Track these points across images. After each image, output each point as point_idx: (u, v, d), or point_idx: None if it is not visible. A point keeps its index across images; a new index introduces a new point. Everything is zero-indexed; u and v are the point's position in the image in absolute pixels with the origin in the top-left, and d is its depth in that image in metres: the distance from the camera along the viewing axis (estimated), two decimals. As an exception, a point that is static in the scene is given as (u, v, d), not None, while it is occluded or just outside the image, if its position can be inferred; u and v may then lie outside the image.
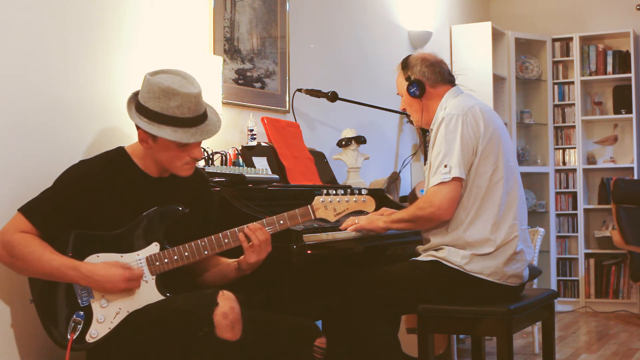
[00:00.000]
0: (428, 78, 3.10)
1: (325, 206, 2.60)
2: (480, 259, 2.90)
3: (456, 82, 3.17)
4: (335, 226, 3.03)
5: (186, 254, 2.47)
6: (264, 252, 2.56)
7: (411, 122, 3.28)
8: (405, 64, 3.14)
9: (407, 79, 3.10)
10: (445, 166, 2.88)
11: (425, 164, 3.12)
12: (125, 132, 3.05)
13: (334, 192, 2.61)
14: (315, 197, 2.60)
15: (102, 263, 2.42)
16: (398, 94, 3.21)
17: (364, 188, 2.77)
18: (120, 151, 2.58)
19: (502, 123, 3.12)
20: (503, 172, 2.96)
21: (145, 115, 2.44)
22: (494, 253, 2.91)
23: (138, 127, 2.48)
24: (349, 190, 2.64)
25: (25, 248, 2.38)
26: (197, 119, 2.47)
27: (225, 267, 2.67)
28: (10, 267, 2.46)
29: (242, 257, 2.59)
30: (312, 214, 2.59)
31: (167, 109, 2.42)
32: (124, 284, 2.39)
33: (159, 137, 2.44)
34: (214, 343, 2.26)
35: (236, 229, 2.53)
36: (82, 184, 2.46)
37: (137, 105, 2.48)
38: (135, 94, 2.54)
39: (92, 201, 2.45)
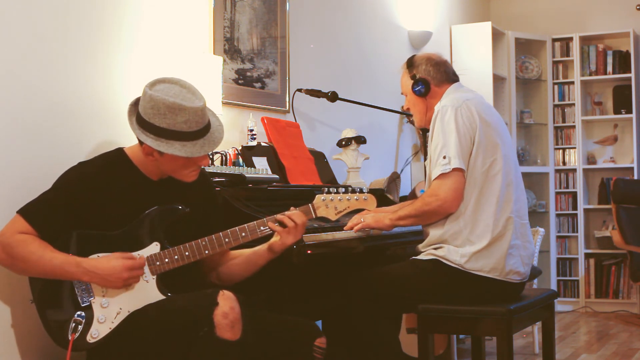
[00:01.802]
0: (433, 77, 3.11)
1: (326, 205, 2.60)
2: (479, 255, 2.89)
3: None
4: (336, 225, 3.03)
5: (187, 253, 2.47)
6: (300, 234, 2.58)
7: (412, 122, 3.29)
8: (411, 63, 3.16)
9: (413, 77, 3.11)
10: (444, 157, 2.88)
11: (425, 160, 3.12)
12: (126, 133, 3.04)
13: (335, 190, 2.61)
14: (317, 196, 2.60)
15: (103, 257, 2.42)
16: (402, 94, 3.22)
17: (364, 188, 2.77)
18: (119, 153, 2.57)
19: (500, 118, 3.12)
20: (502, 164, 2.96)
21: (150, 131, 2.41)
22: (489, 247, 2.90)
23: (142, 142, 2.46)
24: (349, 189, 2.64)
25: (25, 248, 2.38)
26: (203, 130, 2.47)
27: (252, 255, 2.67)
28: (10, 269, 2.45)
29: (272, 240, 2.60)
30: (313, 213, 2.60)
31: (174, 125, 2.40)
32: (127, 273, 2.39)
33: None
34: (214, 343, 2.26)
35: (257, 221, 2.53)
36: (81, 185, 2.45)
37: (139, 119, 2.44)
38: (135, 104, 2.50)
39: (92, 202, 2.45)
